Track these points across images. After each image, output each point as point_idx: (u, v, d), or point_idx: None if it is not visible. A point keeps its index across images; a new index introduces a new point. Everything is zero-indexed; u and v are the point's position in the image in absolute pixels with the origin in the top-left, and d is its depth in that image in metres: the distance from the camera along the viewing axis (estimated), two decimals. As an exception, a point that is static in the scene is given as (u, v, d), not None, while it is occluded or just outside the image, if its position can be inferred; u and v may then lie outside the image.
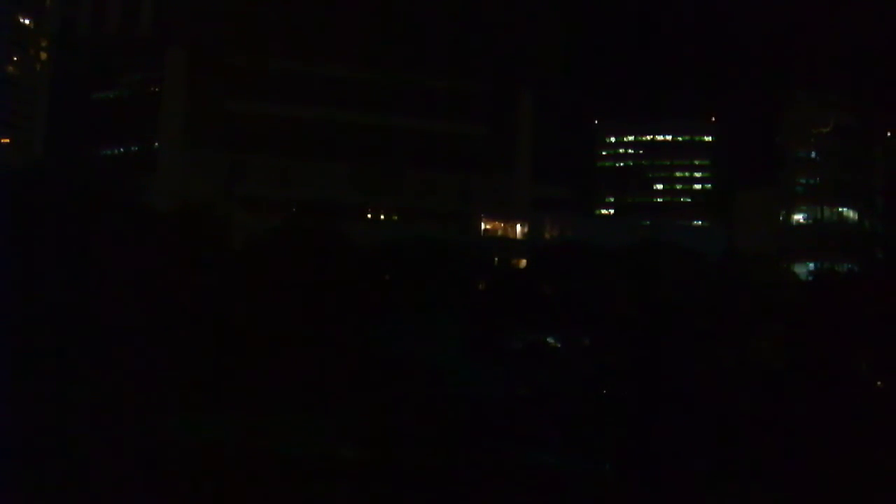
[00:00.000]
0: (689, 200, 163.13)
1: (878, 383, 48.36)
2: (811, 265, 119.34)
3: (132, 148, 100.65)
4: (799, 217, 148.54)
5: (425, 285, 54.77)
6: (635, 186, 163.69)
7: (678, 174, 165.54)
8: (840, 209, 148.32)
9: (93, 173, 78.53)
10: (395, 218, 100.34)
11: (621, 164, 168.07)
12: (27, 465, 30.23)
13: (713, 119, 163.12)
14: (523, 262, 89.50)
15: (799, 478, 35.11)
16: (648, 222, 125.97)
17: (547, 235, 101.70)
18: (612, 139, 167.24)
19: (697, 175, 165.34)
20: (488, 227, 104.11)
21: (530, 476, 34.92)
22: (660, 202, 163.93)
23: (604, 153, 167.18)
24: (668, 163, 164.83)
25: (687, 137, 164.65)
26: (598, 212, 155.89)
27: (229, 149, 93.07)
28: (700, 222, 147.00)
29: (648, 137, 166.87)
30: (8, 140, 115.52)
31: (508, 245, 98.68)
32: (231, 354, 42.16)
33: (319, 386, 40.85)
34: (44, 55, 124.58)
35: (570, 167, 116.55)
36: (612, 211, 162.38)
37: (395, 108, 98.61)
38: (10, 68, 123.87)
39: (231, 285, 48.89)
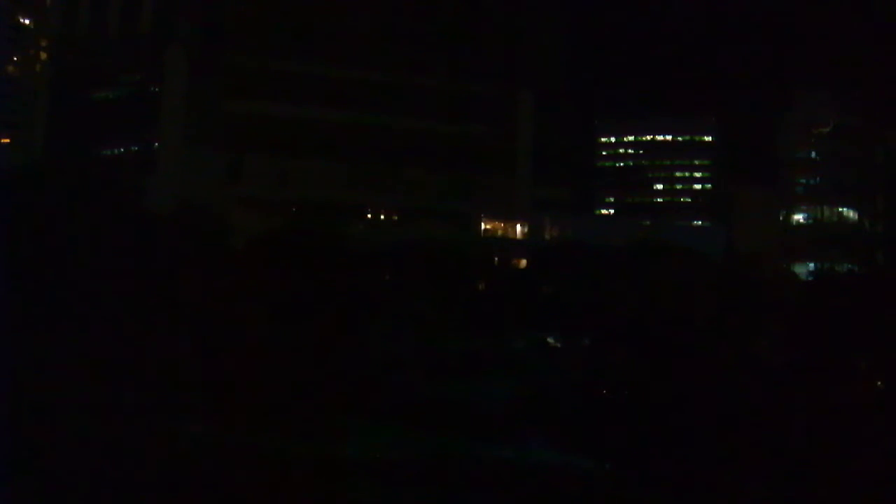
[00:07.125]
0: (689, 200, 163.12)
1: (878, 383, 48.33)
2: (811, 265, 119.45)
3: (132, 148, 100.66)
4: (799, 217, 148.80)
5: (425, 285, 54.83)
6: (635, 186, 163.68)
7: (678, 174, 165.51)
8: (840, 209, 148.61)
9: (93, 173, 78.52)
10: (395, 218, 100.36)
11: (621, 164, 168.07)
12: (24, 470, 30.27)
13: (713, 119, 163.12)
14: (523, 263, 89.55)
15: (799, 477, 35.11)
16: (648, 222, 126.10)
17: (547, 235, 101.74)
18: (612, 139, 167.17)
19: (697, 175, 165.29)
20: (488, 227, 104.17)
21: (530, 476, 34.92)
22: (660, 202, 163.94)
23: (604, 153, 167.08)
24: (668, 163, 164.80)
25: (687, 137, 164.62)
26: (598, 212, 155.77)
27: (229, 149, 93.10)
28: (700, 222, 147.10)
29: (648, 137, 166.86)
30: (8, 140, 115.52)
31: (508, 245, 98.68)
32: (230, 355, 42.15)
33: (318, 386, 40.85)
34: (44, 55, 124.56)
35: (570, 167, 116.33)
36: (612, 211, 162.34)
37: (395, 108, 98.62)
38: (10, 68, 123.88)
39: (230, 286, 48.88)
